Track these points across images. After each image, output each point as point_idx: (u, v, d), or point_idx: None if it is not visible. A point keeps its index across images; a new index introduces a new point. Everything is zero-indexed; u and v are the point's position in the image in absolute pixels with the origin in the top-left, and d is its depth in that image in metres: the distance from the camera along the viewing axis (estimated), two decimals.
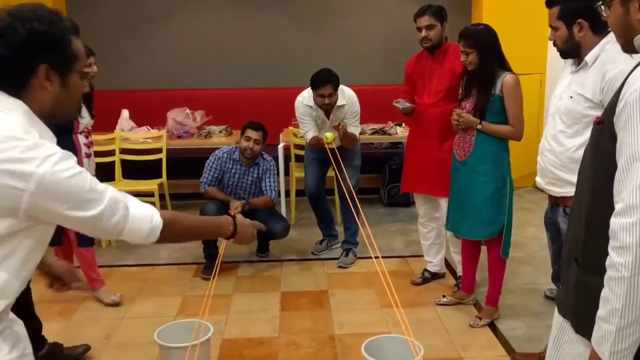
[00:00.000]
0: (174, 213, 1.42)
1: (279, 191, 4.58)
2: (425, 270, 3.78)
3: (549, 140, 2.45)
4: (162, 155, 4.87)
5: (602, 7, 1.43)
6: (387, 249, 4.34)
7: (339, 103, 3.90)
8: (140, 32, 5.93)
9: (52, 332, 2.96)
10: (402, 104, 3.56)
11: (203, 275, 3.88)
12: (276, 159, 4.52)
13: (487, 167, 3.05)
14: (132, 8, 5.91)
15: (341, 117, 3.91)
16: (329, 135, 3.77)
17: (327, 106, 3.87)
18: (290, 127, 5.05)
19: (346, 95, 3.94)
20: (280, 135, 5.18)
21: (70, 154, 1.23)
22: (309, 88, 3.92)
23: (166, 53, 5.95)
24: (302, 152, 4.71)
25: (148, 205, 1.33)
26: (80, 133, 3.39)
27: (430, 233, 3.71)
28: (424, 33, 3.41)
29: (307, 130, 3.99)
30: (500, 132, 3.02)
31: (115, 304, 3.46)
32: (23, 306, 2.72)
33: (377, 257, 2.52)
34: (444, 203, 3.43)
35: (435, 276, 3.78)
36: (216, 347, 2.96)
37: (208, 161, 4.03)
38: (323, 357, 2.91)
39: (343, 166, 3.66)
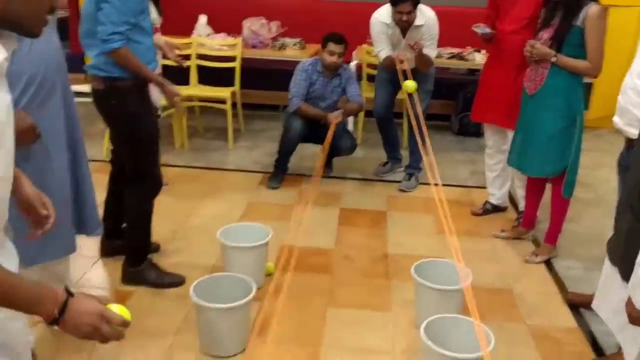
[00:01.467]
0: None
1: None
2: (487, 202, 3.75)
3: (634, 78, 2.30)
4: (237, 64, 4.92)
5: None
6: (451, 177, 4.30)
7: (416, 23, 3.78)
8: None
9: None
10: (481, 29, 3.41)
11: (270, 184, 4.01)
12: None
13: (557, 103, 2.93)
14: None
15: (417, 38, 3.80)
16: (409, 84, 3.51)
17: (404, 24, 3.76)
18: (364, 45, 4.95)
19: (425, 16, 3.80)
20: (354, 53, 5.08)
21: None
22: (387, 5, 3.80)
23: None
24: (374, 72, 4.64)
25: None
26: None
27: (497, 165, 3.65)
28: None
29: (381, 49, 3.91)
30: (576, 66, 2.86)
31: None
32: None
33: (436, 185, 2.53)
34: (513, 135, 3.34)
35: (497, 209, 3.75)
36: (274, 252, 3.11)
37: (295, 75, 4.00)
38: (374, 273, 3.01)
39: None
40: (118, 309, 1.12)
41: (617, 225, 1.51)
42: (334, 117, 3.84)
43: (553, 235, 3.17)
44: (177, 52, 3.61)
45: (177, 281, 2.80)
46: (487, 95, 3.52)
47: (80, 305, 1.06)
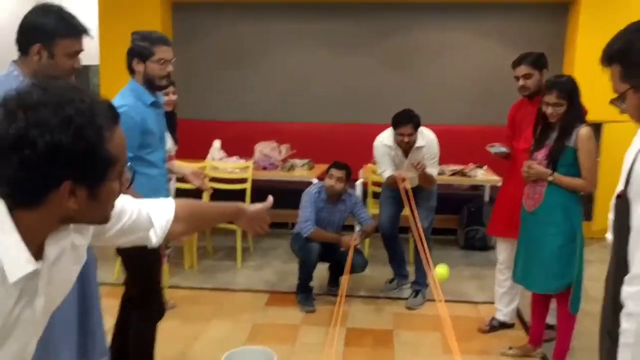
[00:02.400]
0: None
1: None
2: (494, 318, 3.72)
3: None
4: (248, 185, 5.13)
5: (618, 103, 1.48)
6: (459, 292, 4.31)
7: (417, 144, 3.99)
8: (236, 65, 6.35)
9: None
10: (496, 148, 3.61)
11: (305, 308, 4.00)
12: None
13: (557, 219, 3.02)
14: (231, 44, 6.35)
15: (419, 158, 3.99)
16: (440, 271, 3.15)
17: (406, 145, 3.97)
18: (369, 164, 5.17)
19: (425, 137, 4.02)
20: (360, 172, 5.30)
21: None
22: (389, 129, 4.04)
23: (258, 87, 6.34)
24: (379, 190, 4.80)
25: None
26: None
27: (507, 281, 3.63)
28: (521, 82, 3.44)
29: (384, 169, 4.10)
30: (572, 184, 2.99)
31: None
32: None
33: (440, 301, 2.57)
34: None
35: (504, 325, 3.71)
36: None
37: (303, 200, 4.13)
38: None
39: (416, 207, 3.72)
40: None
41: (600, 352, 1.54)
42: (350, 240, 3.97)
43: (561, 352, 3.12)
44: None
45: None
46: (504, 210, 3.63)
47: None
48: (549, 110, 3.00)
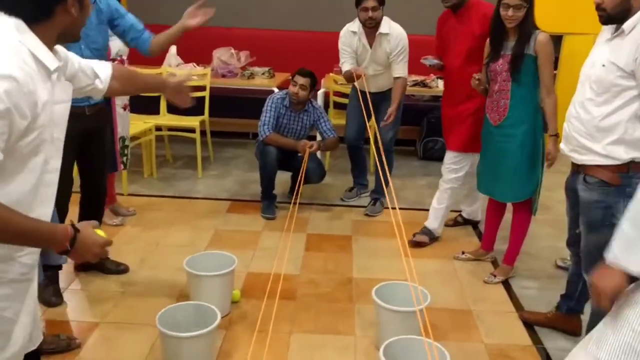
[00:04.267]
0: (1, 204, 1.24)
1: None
2: (460, 215, 3.98)
3: (577, 108, 2.44)
4: (206, 93, 5.00)
5: None
6: (416, 201, 4.42)
7: (382, 30, 3.85)
8: None
9: None
10: (429, 60, 3.58)
11: (266, 215, 4.04)
12: None
13: (523, 130, 3.06)
14: None
15: (385, 49, 3.88)
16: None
17: (371, 22, 3.79)
18: (331, 74, 5.09)
19: (392, 27, 3.89)
20: (322, 81, 5.22)
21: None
22: (356, 18, 3.92)
23: None
24: (341, 100, 4.77)
25: None
26: (113, 61, 3.48)
27: (465, 185, 3.75)
28: None
29: (344, 61, 3.98)
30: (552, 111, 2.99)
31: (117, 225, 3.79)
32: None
33: (394, 208, 2.64)
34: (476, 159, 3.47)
35: (468, 222, 3.97)
36: (241, 279, 3.17)
37: (265, 106, 4.09)
38: (338, 297, 3.08)
39: (382, 117, 3.70)
40: (102, 233, 1.45)
41: None
42: (306, 146, 3.93)
43: (512, 256, 3.29)
44: None
45: (123, 269, 3.23)
46: (446, 123, 3.68)
47: (86, 239, 1.36)
48: (509, 12, 2.90)
